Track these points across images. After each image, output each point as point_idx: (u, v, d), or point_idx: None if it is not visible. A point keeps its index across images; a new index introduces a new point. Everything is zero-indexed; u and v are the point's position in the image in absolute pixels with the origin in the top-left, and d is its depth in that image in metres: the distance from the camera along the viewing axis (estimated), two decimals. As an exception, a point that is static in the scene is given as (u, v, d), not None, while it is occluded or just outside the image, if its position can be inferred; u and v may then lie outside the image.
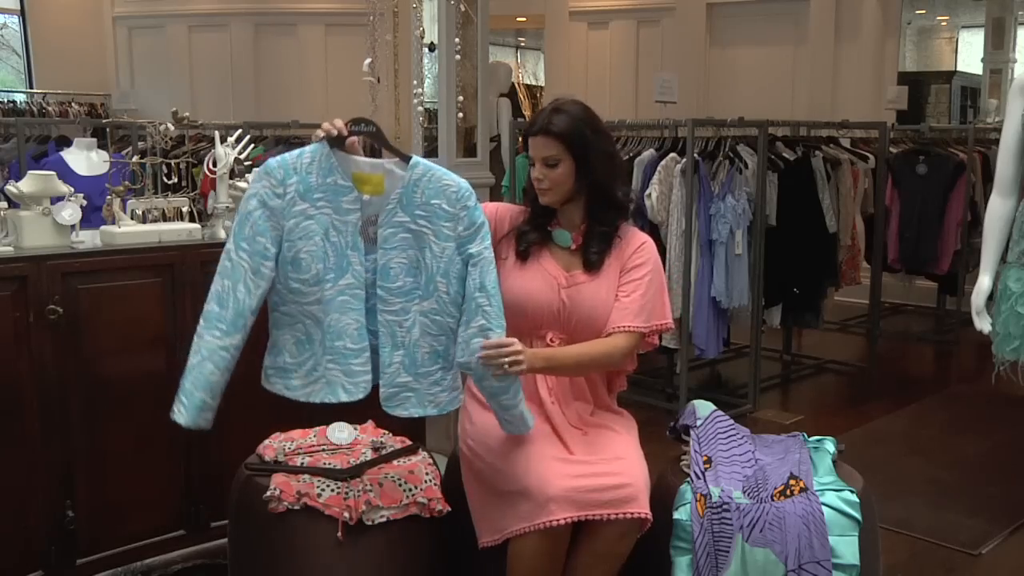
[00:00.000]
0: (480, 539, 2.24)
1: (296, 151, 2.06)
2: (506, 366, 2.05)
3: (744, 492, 2.22)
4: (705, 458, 2.32)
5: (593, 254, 2.31)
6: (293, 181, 2.03)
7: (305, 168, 2.04)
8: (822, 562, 2.12)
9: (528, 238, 2.34)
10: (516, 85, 10.53)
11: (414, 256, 2.09)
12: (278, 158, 2.05)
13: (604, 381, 2.45)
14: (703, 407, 2.49)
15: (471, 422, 2.35)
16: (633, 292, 2.30)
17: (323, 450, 2.41)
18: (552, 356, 2.24)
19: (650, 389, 5.01)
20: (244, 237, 2.02)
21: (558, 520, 2.07)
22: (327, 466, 2.31)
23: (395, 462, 2.39)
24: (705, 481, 2.24)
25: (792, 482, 2.23)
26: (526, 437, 2.21)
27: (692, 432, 2.40)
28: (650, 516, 2.13)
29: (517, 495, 2.14)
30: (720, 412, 2.50)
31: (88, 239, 2.66)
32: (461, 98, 5.51)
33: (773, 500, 2.18)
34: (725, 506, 2.17)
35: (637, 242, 2.36)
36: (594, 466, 2.16)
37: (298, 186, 2.03)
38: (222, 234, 2.84)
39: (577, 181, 2.28)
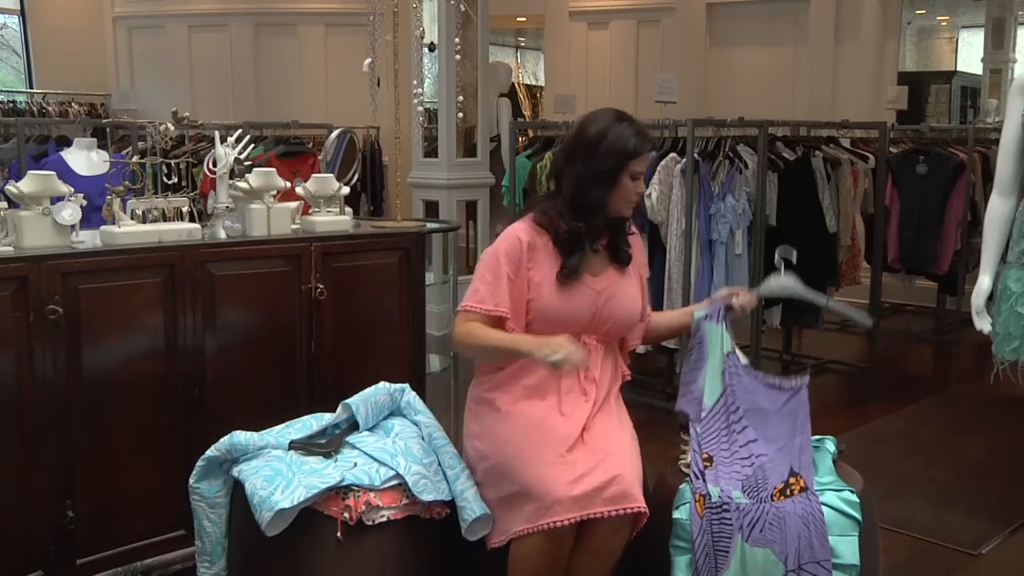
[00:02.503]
0: (488, 541, 2.24)
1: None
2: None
3: (744, 492, 2.21)
4: (705, 456, 2.32)
5: (624, 252, 2.43)
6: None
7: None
8: (822, 562, 2.12)
9: (572, 264, 2.32)
10: (516, 85, 10.54)
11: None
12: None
13: (619, 377, 2.48)
14: (711, 393, 2.42)
15: (477, 424, 2.36)
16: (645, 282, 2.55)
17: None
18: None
19: (650, 389, 5.00)
20: (197, 480, 2.39)
21: (562, 521, 2.07)
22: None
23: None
24: (704, 481, 2.24)
25: (792, 480, 2.22)
26: (529, 440, 2.23)
27: (693, 429, 2.39)
28: (645, 510, 2.14)
29: (522, 496, 2.15)
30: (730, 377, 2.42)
31: (88, 239, 2.65)
32: (461, 98, 5.52)
33: (773, 500, 2.18)
34: (725, 506, 2.16)
35: (638, 236, 2.54)
36: (591, 467, 2.16)
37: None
38: (222, 234, 2.84)
39: None
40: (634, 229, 2.50)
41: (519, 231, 2.33)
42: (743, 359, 2.43)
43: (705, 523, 2.17)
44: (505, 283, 2.28)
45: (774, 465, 2.29)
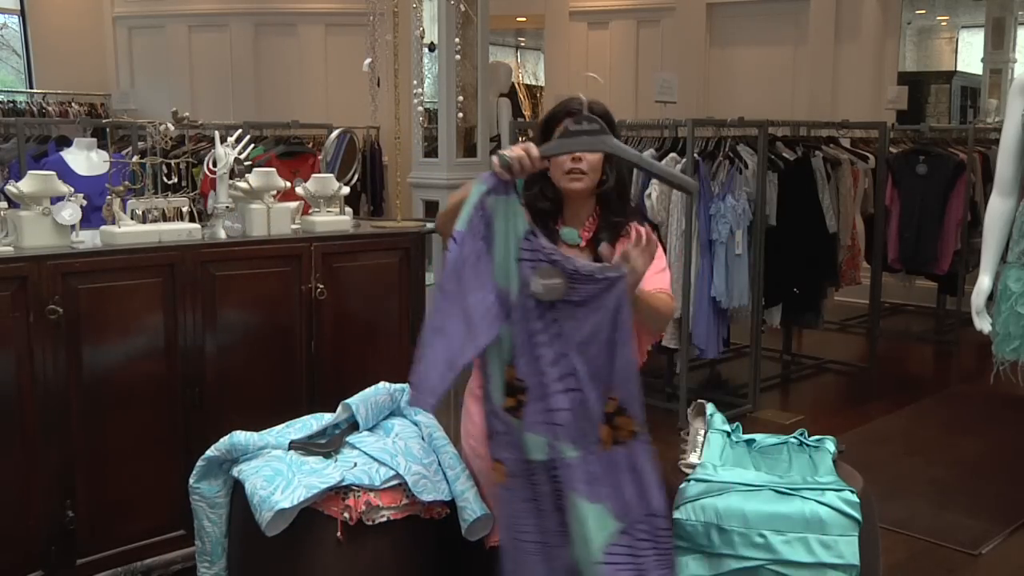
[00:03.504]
0: (488, 540, 2.24)
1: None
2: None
3: (571, 441, 1.99)
4: (518, 383, 2.00)
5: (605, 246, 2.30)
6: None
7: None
8: (656, 515, 2.01)
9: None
10: (516, 85, 10.53)
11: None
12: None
13: None
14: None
15: (472, 422, 2.35)
16: (662, 270, 2.31)
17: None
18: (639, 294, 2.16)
19: (650, 389, 5.00)
20: (197, 480, 2.38)
21: None
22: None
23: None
24: (516, 430, 2.01)
25: (621, 421, 1.98)
26: None
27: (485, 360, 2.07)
28: None
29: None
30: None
31: (88, 239, 2.65)
32: (461, 98, 5.52)
33: (603, 447, 1.98)
34: (553, 462, 2.00)
35: (644, 232, 2.34)
36: None
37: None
38: (222, 234, 2.84)
39: (603, 172, 2.26)
40: (638, 228, 2.45)
41: None
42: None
43: (514, 487, 2.02)
44: None
45: (589, 390, 1.98)
